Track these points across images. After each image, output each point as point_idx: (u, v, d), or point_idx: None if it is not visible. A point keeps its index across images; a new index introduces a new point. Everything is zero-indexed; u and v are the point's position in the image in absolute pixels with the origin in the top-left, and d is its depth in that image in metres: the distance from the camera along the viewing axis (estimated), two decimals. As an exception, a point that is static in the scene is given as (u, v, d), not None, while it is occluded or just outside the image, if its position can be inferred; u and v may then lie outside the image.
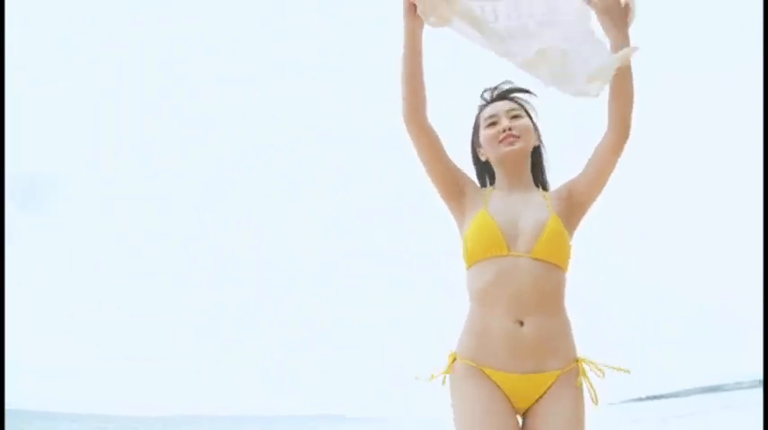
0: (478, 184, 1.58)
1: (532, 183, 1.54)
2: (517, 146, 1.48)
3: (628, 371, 1.41)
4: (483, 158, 1.56)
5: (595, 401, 1.41)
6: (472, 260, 1.43)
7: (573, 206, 1.47)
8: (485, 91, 1.58)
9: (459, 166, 1.53)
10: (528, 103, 1.56)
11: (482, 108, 1.57)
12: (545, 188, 1.57)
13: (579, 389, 1.39)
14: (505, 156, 1.49)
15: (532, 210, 1.45)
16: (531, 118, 1.54)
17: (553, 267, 1.40)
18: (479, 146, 1.56)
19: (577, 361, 1.41)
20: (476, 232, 1.42)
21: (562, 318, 1.41)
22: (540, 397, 1.38)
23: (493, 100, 1.55)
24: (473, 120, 1.59)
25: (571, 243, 1.45)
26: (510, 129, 1.48)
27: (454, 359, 1.42)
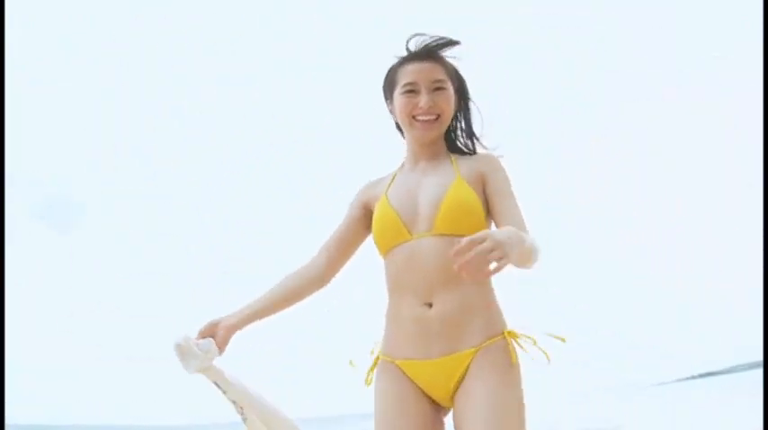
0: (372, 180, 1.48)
1: (444, 151, 1.42)
2: (434, 130, 1.37)
3: (563, 340, 1.30)
4: (392, 117, 1.45)
5: (514, 361, 1.26)
6: (381, 251, 1.37)
7: (484, 194, 1.35)
8: (411, 37, 1.37)
9: (353, 211, 1.46)
10: (455, 60, 1.40)
11: (402, 62, 1.38)
12: (464, 151, 1.43)
13: (503, 364, 1.25)
14: (418, 138, 1.39)
15: (435, 182, 1.35)
16: (452, 86, 1.38)
17: (459, 238, 1.21)
18: (392, 103, 1.41)
19: (503, 333, 1.29)
20: (377, 224, 1.36)
21: (480, 291, 1.30)
22: (461, 379, 1.27)
23: (417, 55, 1.37)
24: (388, 69, 1.41)
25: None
26: (430, 108, 1.34)
27: (377, 358, 1.36)
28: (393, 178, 1.44)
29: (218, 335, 1.34)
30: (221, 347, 1.34)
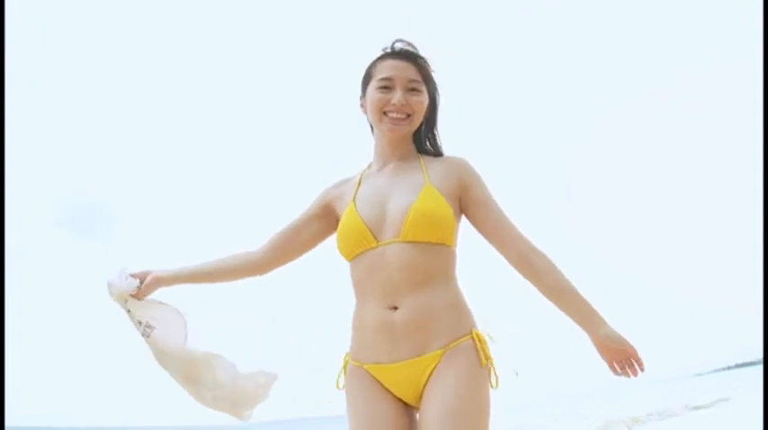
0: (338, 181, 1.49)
1: (414, 152, 1.43)
2: (402, 128, 1.37)
3: (524, 335, 1.34)
4: (362, 111, 1.45)
5: (484, 363, 1.26)
6: (346, 258, 1.37)
7: (458, 199, 1.36)
8: (396, 40, 1.39)
9: (312, 208, 1.48)
10: (431, 71, 1.40)
11: (382, 57, 1.39)
12: (431, 153, 1.45)
13: (469, 365, 1.25)
14: (386, 134, 1.39)
15: (404, 189, 1.34)
16: (428, 89, 1.39)
17: (429, 246, 1.29)
18: (364, 97, 1.42)
19: (471, 333, 1.29)
20: (342, 231, 1.36)
21: (446, 294, 1.30)
22: (425, 383, 1.27)
23: (396, 53, 1.38)
24: (368, 65, 1.42)
25: (454, 212, 1.33)
26: (402, 106, 1.35)
27: (347, 362, 1.37)
28: (360, 181, 1.42)
29: (145, 280, 1.46)
30: (143, 292, 1.46)
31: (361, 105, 1.44)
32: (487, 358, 1.28)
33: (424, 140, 1.45)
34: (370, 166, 1.46)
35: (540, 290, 1.31)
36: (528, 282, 1.32)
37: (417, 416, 1.30)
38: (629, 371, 1.27)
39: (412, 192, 1.33)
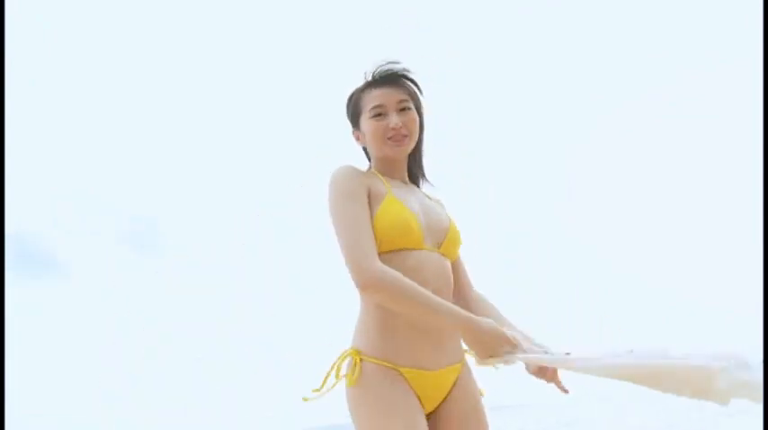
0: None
1: (407, 177, 1.48)
2: (405, 146, 1.41)
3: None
4: (359, 143, 1.48)
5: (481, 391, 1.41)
6: (383, 247, 1.29)
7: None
8: (377, 68, 1.42)
9: (365, 201, 1.33)
10: (416, 87, 1.44)
11: (366, 87, 1.42)
12: (418, 182, 1.52)
13: (474, 378, 1.40)
14: (391, 157, 1.41)
15: (429, 204, 1.45)
16: (417, 107, 1.43)
17: (450, 262, 1.42)
18: (358, 129, 1.45)
19: (464, 351, 1.40)
20: (398, 220, 1.31)
21: None
22: (449, 392, 1.34)
23: (380, 81, 1.41)
24: (351, 95, 1.45)
25: None
26: (399, 127, 1.38)
27: (354, 358, 1.29)
28: (382, 179, 1.40)
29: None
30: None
31: (357, 137, 1.48)
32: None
33: (412, 166, 1.50)
34: (383, 175, 1.43)
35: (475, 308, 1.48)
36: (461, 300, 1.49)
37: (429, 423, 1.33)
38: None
39: (442, 212, 1.46)
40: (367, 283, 1.21)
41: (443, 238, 1.39)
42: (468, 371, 1.39)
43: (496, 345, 1.22)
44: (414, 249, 1.32)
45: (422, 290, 1.23)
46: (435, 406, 1.34)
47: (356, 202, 1.30)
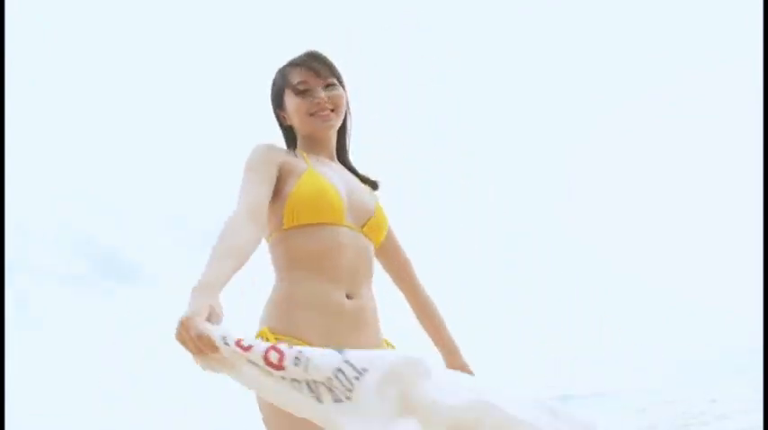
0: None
1: (334, 156, 1.43)
2: (332, 122, 1.36)
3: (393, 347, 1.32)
4: (286, 123, 1.42)
5: None
6: (300, 220, 1.24)
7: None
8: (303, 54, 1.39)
9: (272, 174, 1.27)
10: (340, 73, 1.40)
11: (288, 67, 1.38)
12: (346, 163, 1.46)
13: None
14: (319, 132, 1.37)
15: (358, 186, 1.38)
16: (343, 87, 1.39)
17: (372, 245, 1.34)
18: (283, 109, 1.40)
19: (385, 340, 1.33)
20: (312, 192, 1.25)
21: (374, 298, 1.33)
22: None
23: (304, 60, 1.36)
24: (274, 78, 1.41)
25: None
26: (326, 101, 1.34)
27: (267, 338, 1.18)
28: (302, 155, 1.35)
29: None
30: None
31: (279, 116, 1.42)
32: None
33: (340, 146, 1.46)
34: (304, 152, 1.37)
35: (415, 302, 1.47)
36: (404, 291, 1.48)
37: None
38: None
39: (368, 195, 1.39)
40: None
41: (367, 219, 1.32)
42: None
43: (181, 325, 0.98)
44: (333, 224, 1.25)
45: (220, 254, 1.09)
46: None
47: (257, 174, 1.24)
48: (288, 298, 1.23)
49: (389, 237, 1.46)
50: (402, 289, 1.49)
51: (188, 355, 1.04)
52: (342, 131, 1.45)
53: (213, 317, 1.02)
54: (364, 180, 1.46)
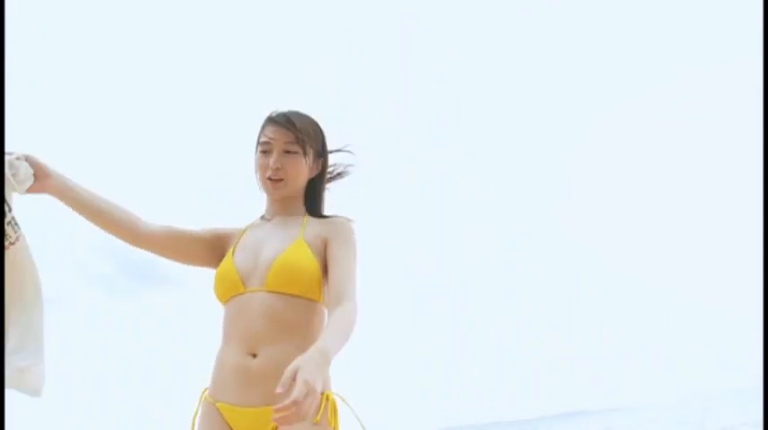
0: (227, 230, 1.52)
1: (302, 210, 1.50)
2: (279, 190, 1.45)
3: (344, 400, 1.33)
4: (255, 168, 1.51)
5: (332, 424, 1.28)
6: (220, 300, 1.43)
7: (324, 255, 1.41)
8: (278, 110, 1.48)
9: (205, 231, 1.51)
10: (313, 132, 1.46)
11: (264, 123, 1.47)
12: (318, 214, 1.50)
13: (311, 425, 1.23)
14: (268, 194, 1.49)
15: (278, 240, 1.41)
16: (307, 152, 1.44)
17: (291, 298, 1.34)
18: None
19: (324, 394, 1.27)
20: (217, 275, 1.43)
21: (304, 346, 1.23)
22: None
23: (275, 119, 1.45)
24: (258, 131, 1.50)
25: (321, 270, 1.37)
26: (277, 170, 1.42)
27: (203, 396, 1.40)
28: (245, 230, 1.50)
29: (38, 174, 1.34)
30: (31, 188, 1.32)
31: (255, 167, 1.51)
32: (332, 423, 1.28)
33: (310, 201, 1.51)
34: (261, 217, 1.52)
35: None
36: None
37: None
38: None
39: (283, 244, 1.39)
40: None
41: (266, 274, 1.36)
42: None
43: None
44: (236, 295, 1.38)
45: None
46: None
47: (199, 229, 1.52)
48: (214, 363, 1.39)
49: (328, 264, 1.39)
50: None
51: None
52: (313, 190, 1.51)
53: None
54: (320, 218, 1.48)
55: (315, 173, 1.49)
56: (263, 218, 1.52)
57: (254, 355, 1.33)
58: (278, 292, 1.35)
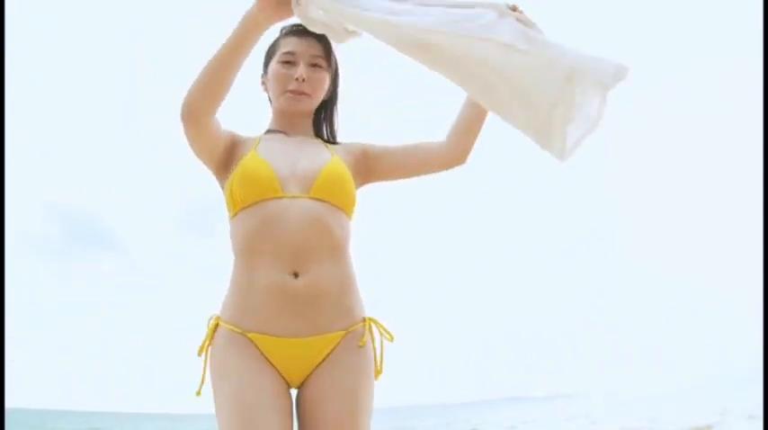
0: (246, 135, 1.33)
1: (312, 133, 1.36)
2: (303, 104, 1.31)
3: (391, 339, 1.22)
4: (263, 89, 1.38)
5: (379, 369, 1.20)
6: (238, 206, 1.20)
7: (363, 168, 1.33)
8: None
9: (225, 133, 1.25)
10: (332, 50, 1.33)
11: (285, 34, 1.32)
12: (329, 141, 1.38)
13: (364, 353, 1.18)
14: (287, 110, 1.32)
15: (311, 151, 1.28)
16: (329, 70, 1.33)
17: (335, 209, 1.20)
18: (266, 72, 1.36)
19: (365, 320, 1.21)
20: (243, 175, 1.20)
21: (349, 269, 1.20)
22: (319, 364, 1.16)
23: (301, 31, 1.29)
24: (270, 44, 1.35)
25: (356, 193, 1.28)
26: (303, 80, 1.28)
27: (216, 325, 1.18)
28: (259, 139, 1.30)
29: None
30: None
31: (263, 83, 1.38)
32: (376, 350, 1.21)
33: (321, 124, 1.39)
34: (268, 132, 1.35)
35: (476, 115, 1.33)
36: (470, 135, 1.34)
37: (296, 396, 1.19)
38: None
39: (321, 155, 1.28)
40: (182, 109, 1.15)
41: (313, 181, 1.21)
42: (352, 346, 1.18)
43: None
44: (271, 199, 1.18)
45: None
46: (303, 378, 1.17)
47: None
48: (232, 286, 1.19)
49: (383, 153, 1.35)
50: (457, 132, 1.35)
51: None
52: (322, 114, 1.39)
53: None
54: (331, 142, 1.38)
55: (328, 95, 1.37)
56: (274, 131, 1.34)
57: (296, 275, 1.15)
58: (324, 201, 1.19)
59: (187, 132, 1.18)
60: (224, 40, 1.14)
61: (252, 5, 1.13)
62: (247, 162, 1.21)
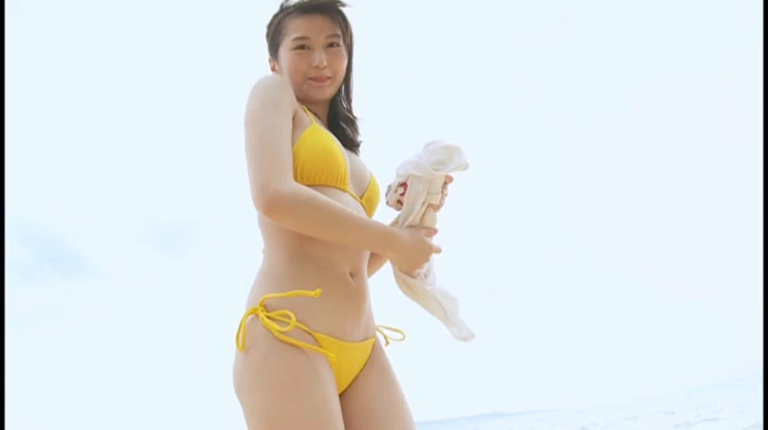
0: None
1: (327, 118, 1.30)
2: (329, 90, 1.23)
3: (402, 336, 1.22)
4: (272, 69, 1.27)
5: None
6: (304, 179, 1.08)
7: None
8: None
9: (289, 122, 1.12)
10: (342, 20, 1.22)
11: (293, 11, 1.20)
12: (344, 117, 1.30)
13: (386, 353, 1.19)
14: (312, 98, 1.22)
15: (348, 152, 1.23)
16: (346, 41, 1.24)
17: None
18: (275, 58, 1.25)
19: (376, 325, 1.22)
20: (319, 148, 1.10)
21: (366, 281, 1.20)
22: (362, 369, 1.12)
23: (309, 7, 1.19)
24: (274, 17, 1.24)
25: None
26: (325, 67, 1.19)
27: (267, 316, 1.00)
28: (306, 110, 1.20)
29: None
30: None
31: (272, 68, 1.27)
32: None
33: (339, 103, 1.30)
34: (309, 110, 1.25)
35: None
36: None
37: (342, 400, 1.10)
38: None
39: (363, 163, 1.26)
40: (274, 201, 0.97)
41: (366, 189, 1.19)
42: (381, 348, 1.19)
43: (420, 253, 1.09)
44: (337, 189, 1.11)
45: (340, 206, 1.02)
46: (348, 384, 1.10)
47: (282, 114, 1.08)
48: (290, 271, 1.05)
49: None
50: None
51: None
52: (339, 93, 1.29)
53: None
54: (352, 146, 1.30)
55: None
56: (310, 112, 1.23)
57: (352, 275, 1.10)
58: (367, 208, 1.19)
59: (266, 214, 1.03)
60: (362, 226, 1.04)
61: (403, 241, 1.07)
62: (320, 136, 1.12)
